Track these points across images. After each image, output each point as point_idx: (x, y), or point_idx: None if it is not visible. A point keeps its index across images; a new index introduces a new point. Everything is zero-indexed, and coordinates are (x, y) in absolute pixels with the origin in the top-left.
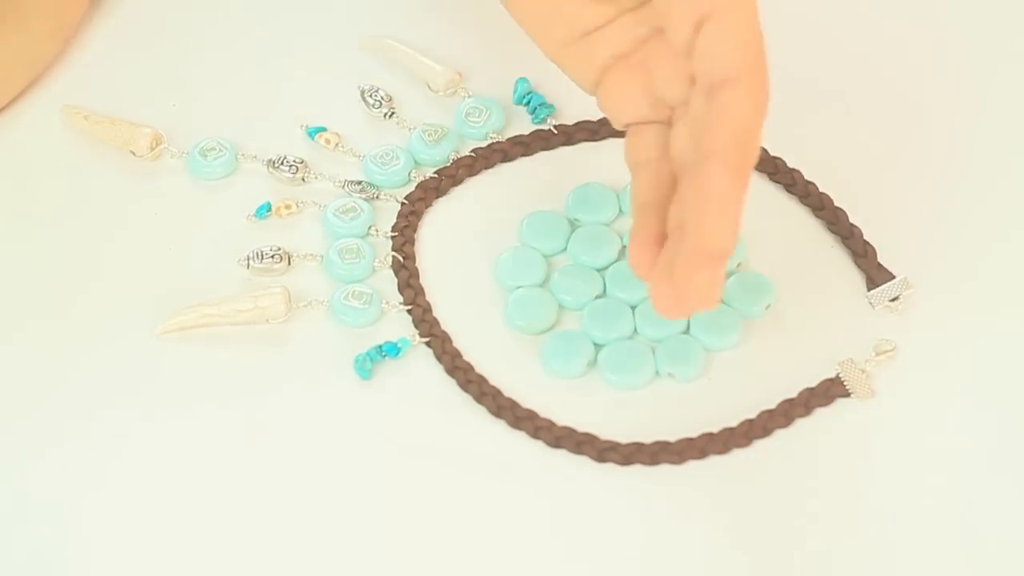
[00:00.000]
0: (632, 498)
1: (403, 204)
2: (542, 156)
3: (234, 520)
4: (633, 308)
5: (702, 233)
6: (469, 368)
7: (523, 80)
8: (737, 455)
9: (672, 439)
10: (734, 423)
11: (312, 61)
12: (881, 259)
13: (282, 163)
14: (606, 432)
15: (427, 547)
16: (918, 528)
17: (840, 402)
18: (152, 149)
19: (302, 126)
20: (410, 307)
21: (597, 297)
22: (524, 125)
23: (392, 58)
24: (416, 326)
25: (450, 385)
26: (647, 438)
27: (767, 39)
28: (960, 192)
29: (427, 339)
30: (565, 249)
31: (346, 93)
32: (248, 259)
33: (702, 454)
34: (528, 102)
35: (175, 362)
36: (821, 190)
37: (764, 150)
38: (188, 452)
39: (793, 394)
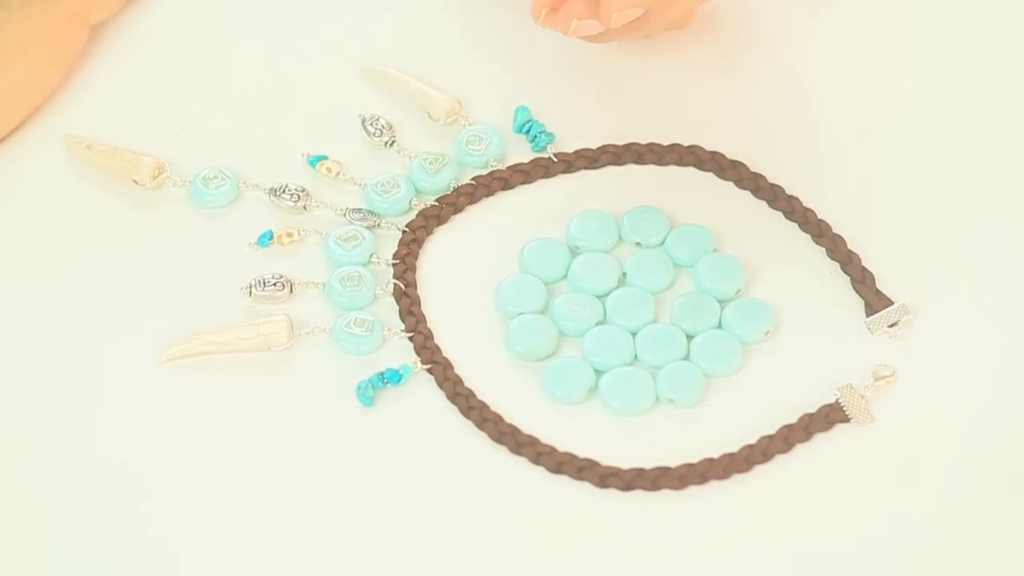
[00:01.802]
0: (633, 523)
1: (404, 232)
2: (542, 184)
3: (237, 546)
4: (633, 334)
5: None
6: (470, 394)
7: (523, 108)
8: (737, 480)
9: (673, 465)
10: (734, 449)
11: (313, 90)
12: (880, 285)
13: (284, 191)
14: (607, 458)
15: (429, 573)
16: (918, 552)
17: (839, 427)
18: (154, 178)
19: (303, 155)
20: (411, 334)
21: (598, 324)
22: (524, 153)
23: (393, 87)
24: (418, 353)
25: (451, 411)
26: (648, 464)
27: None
28: (959, 219)
29: (429, 366)
30: (565, 276)
31: (347, 122)
32: (250, 287)
33: (703, 479)
34: (528, 130)
35: (178, 389)
36: (820, 217)
37: (763, 177)
38: (191, 479)
39: (793, 419)
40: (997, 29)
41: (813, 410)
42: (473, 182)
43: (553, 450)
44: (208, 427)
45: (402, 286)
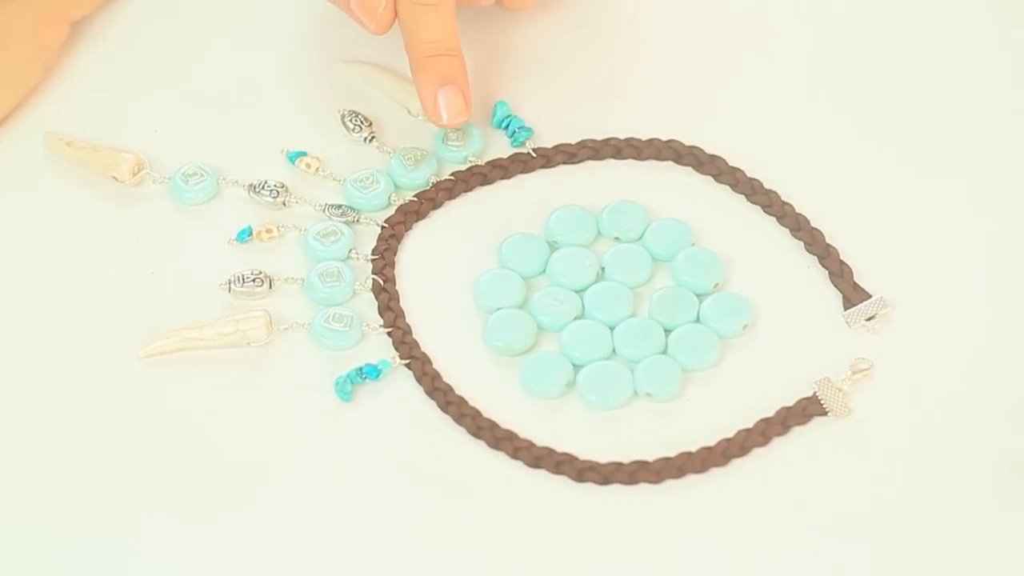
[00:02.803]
0: (611, 518)
1: (383, 227)
2: (521, 179)
3: (215, 540)
4: (612, 329)
5: None
6: (448, 389)
7: (502, 104)
8: (715, 474)
9: (650, 458)
10: (711, 442)
11: (293, 86)
12: (858, 279)
13: (263, 188)
14: (585, 452)
15: (408, 568)
16: (895, 546)
17: (817, 420)
18: (134, 174)
19: (283, 151)
20: (390, 329)
21: (576, 318)
22: (503, 148)
23: (372, 82)
24: (396, 348)
25: (430, 406)
26: (625, 458)
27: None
28: (937, 212)
29: (407, 361)
30: (544, 271)
31: (326, 118)
32: (230, 283)
33: (680, 473)
34: (507, 125)
35: (157, 385)
36: (798, 211)
37: (742, 172)
38: (169, 474)
39: (770, 413)
40: (979, 19)
41: (791, 403)
42: (452, 177)
43: (531, 444)
44: (187, 423)
45: (381, 281)
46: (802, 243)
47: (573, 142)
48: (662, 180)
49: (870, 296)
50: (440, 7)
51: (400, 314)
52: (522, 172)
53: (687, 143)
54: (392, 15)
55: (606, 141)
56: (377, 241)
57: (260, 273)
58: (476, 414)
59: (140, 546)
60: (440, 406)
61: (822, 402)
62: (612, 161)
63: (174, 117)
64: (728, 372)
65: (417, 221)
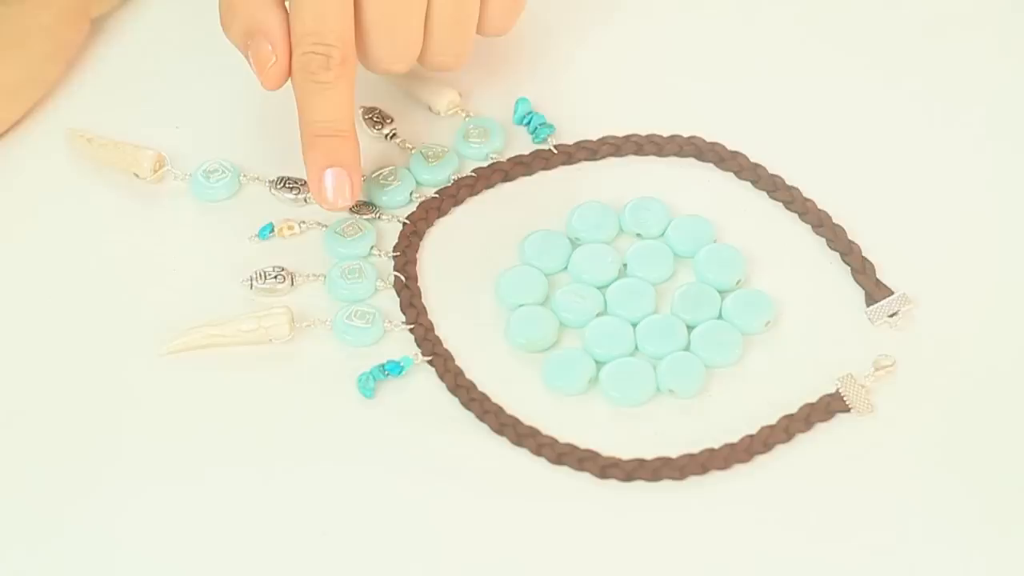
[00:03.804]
0: (634, 514)
1: (405, 224)
2: (542, 175)
3: (238, 538)
4: (634, 325)
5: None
6: (471, 386)
7: (523, 100)
8: (738, 470)
9: (674, 455)
10: (735, 439)
11: None
12: (880, 275)
13: (284, 184)
14: (608, 448)
15: (431, 565)
16: (918, 542)
17: (840, 417)
18: (155, 171)
19: None
20: (412, 326)
21: (598, 315)
22: (524, 145)
23: (393, 79)
24: (419, 345)
25: (453, 403)
26: (649, 454)
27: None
28: (959, 209)
29: (429, 358)
30: (566, 267)
31: None
32: (251, 280)
33: (703, 470)
34: (528, 122)
35: (179, 382)
36: (820, 207)
37: (763, 168)
38: (193, 471)
39: (793, 409)
40: (1003, 20)
41: (814, 400)
42: (473, 174)
43: (554, 441)
44: (209, 419)
45: (403, 278)
46: (824, 239)
47: (594, 139)
48: (684, 177)
49: (893, 292)
50: (334, 86)
51: (422, 311)
52: (543, 169)
53: (708, 139)
54: (282, 74)
55: (627, 138)
56: (399, 238)
57: (282, 270)
58: (499, 410)
59: (162, 542)
60: (463, 403)
61: (845, 399)
62: (633, 157)
63: (195, 113)
64: (751, 369)
65: (439, 218)
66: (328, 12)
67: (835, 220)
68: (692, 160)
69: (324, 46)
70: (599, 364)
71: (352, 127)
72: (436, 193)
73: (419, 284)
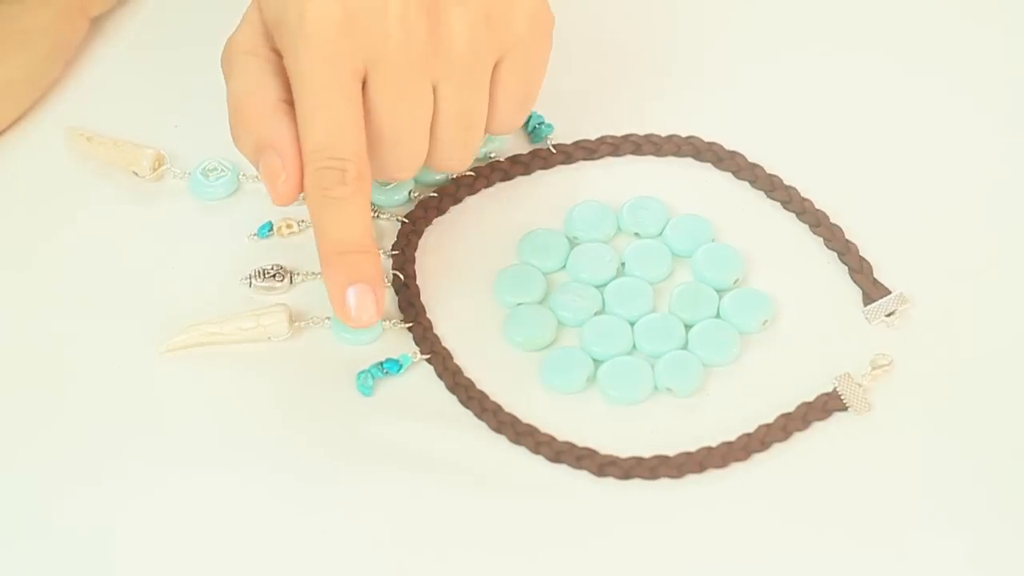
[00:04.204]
0: (632, 512)
1: (403, 223)
2: (541, 175)
3: (237, 535)
4: (632, 324)
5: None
6: (470, 384)
7: None
8: (736, 469)
9: (671, 453)
10: (732, 437)
11: None
12: (877, 274)
13: None
14: (606, 447)
15: (429, 562)
16: (916, 540)
17: (837, 416)
18: (155, 170)
19: None
20: (411, 324)
21: (596, 313)
22: (523, 145)
23: None
24: (417, 343)
25: (451, 401)
26: (646, 452)
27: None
28: (956, 208)
29: (428, 356)
30: (564, 266)
31: None
32: (250, 278)
33: (701, 468)
34: (527, 121)
35: (178, 380)
36: (817, 207)
37: (761, 168)
38: (191, 469)
39: (791, 408)
40: (1001, 19)
41: (811, 399)
42: (472, 173)
43: (552, 439)
44: (208, 417)
45: (401, 277)
46: (822, 239)
47: (593, 138)
48: (682, 176)
49: (890, 292)
50: (351, 201)
51: (421, 309)
52: (542, 168)
53: (706, 139)
54: (294, 190)
55: (626, 137)
56: (397, 237)
57: (281, 268)
58: (497, 409)
59: (161, 540)
60: (461, 401)
61: (842, 397)
62: (632, 157)
63: (194, 112)
64: (748, 368)
65: (437, 217)
66: (342, 126)
67: (832, 219)
68: (690, 160)
69: (339, 160)
70: (597, 363)
71: (372, 241)
72: (435, 192)
73: (418, 283)
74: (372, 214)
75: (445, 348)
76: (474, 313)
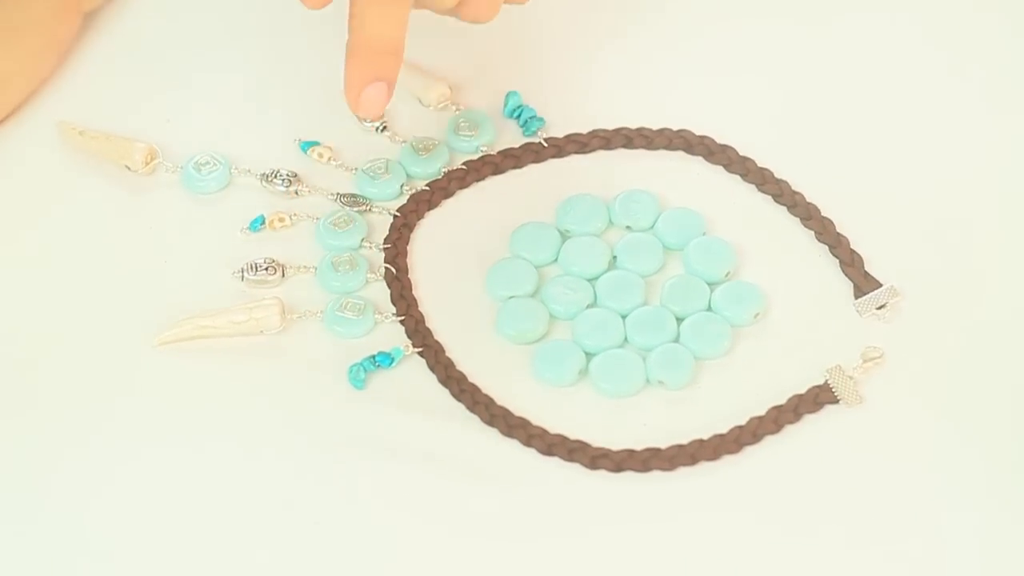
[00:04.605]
0: (624, 505)
1: (395, 216)
2: (532, 168)
3: (229, 528)
4: (624, 317)
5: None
6: (462, 377)
7: (513, 93)
8: (727, 461)
9: (663, 446)
10: (724, 430)
11: (305, 75)
12: (868, 267)
13: (275, 177)
14: (598, 439)
15: (421, 555)
16: (906, 533)
17: (829, 408)
18: (147, 164)
19: (295, 140)
20: (403, 318)
21: (588, 306)
22: (515, 138)
23: None
24: (409, 336)
25: (443, 394)
26: (638, 445)
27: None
28: (947, 201)
29: (420, 349)
30: (556, 259)
31: (339, 107)
32: (243, 271)
33: (693, 461)
34: (518, 115)
35: (171, 373)
36: (809, 200)
37: (752, 161)
38: (184, 462)
39: (782, 401)
40: (994, 10)
41: (803, 392)
42: (464, 167)
43: (544, 432)
44: (201, 410)
45: (393, 270)
46: (813, 232)
47: (584, 132)
48: (673, 169)
49: (881, 285)
50: (399, 2)
51: (413, 302)
52: (534, 161)
53: (698, 133)
54: None
55: (617, 131)
56: (389, 230)
57: (273, 262)
58: (489, 401)
59: (154, 532)
60: (453, 394)
61: (834, 390)
62: (623, 151)
63: (186, 106)
64: (740, 360)
65: (429, 210)
66: None
67: (824, 213)
68: (682, 153)
69: None
70: (589, 356)
71: (403, 45)
72: (427, 186)
73: (410, 276)
74: (364, 207)
75: (437, 341)
76: (466, 306)
